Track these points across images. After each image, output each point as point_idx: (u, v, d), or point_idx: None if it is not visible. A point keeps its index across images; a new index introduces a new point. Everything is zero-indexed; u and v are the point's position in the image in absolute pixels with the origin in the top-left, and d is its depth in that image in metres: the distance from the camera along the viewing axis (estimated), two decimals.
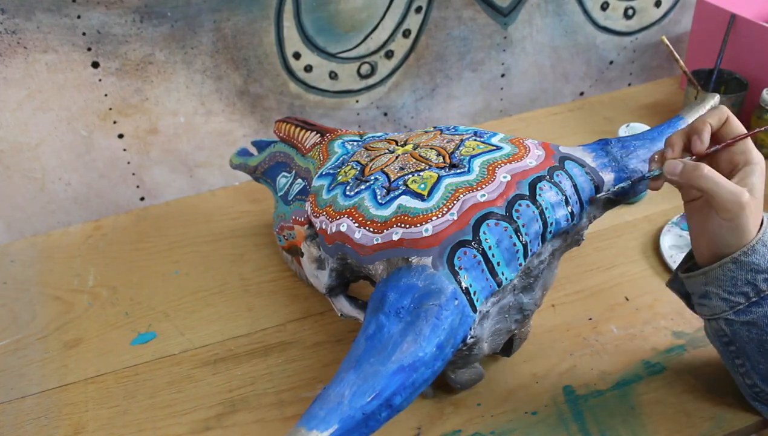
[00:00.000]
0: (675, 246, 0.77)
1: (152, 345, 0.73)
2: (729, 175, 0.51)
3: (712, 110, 0.53)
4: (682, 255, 0.75)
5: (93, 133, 0.88)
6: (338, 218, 0.56)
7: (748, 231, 0.50)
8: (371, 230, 0.53)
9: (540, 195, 0.53)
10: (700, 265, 0.54)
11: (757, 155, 0.52)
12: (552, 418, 0.60)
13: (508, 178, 0.53)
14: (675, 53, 0.93)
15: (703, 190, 0.50)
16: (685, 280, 0.56)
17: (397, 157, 0.59)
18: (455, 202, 0.52)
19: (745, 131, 0.52)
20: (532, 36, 1.02)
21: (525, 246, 0.51)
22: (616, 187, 0.55)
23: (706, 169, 0.49)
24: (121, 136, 0.89)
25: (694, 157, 0.52)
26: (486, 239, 0.50)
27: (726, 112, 0.53)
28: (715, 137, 0.53)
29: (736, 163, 0.52)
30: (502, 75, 1.04)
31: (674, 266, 0.75)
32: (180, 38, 0.85)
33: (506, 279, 0.51)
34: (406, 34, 0.95)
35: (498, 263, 0.50)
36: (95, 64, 0.84)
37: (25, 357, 0.73)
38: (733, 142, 0.52)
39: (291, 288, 0.78)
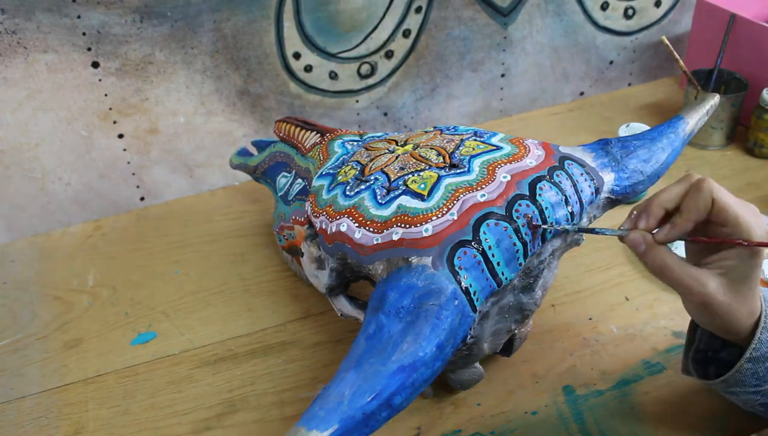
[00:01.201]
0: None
1: (152, 345, 0.73)
2: (715, 250, 0.47)
3: (690, 195, 0.46)
4: (676, 251, 0.75)
5: (93, 133, 0.88)
6: (338, 217, 0.56)
7: (729, 318, 0.46)
8: (371, 229, 0.53)
9: (540, 195, 0.53)
10: (704, 327, 0.51)
11: (749, 234, 0.45)
12: (552, 418, 0.60)
13: (508, 178, 0.53)
14: (675, 53, 0.93)
15: (663, 281, 0.47)
16: (703, 384, 0.53)
17: (397, 157, 0.59)
18: (455, 202, 0.52)
19: (734, 212, 0.45)
20: (532, 36, 1.02)
21: (525, 246, 0.51)
22: (560, 226, 0.52)
23: (666, 260, 0.45)
24: (121, 136, 0.89)
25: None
26: (486, 239, 0.50)
27: (707, 193, 0.45)
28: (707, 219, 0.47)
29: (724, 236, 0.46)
30: (502, 75, 1.04)
31: None
32: (180, 38, 0.85)
33: (506, 279, 0.51)
34: (406, 34, 0.95)
35: (498, 263, 0.50)
36: (95, 64, 0.84)
37: (25, 357, 0.73)
38: (700, 240, 0.47)
39: (291, 288, 0.78)
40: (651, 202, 0.48)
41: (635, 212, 0.49)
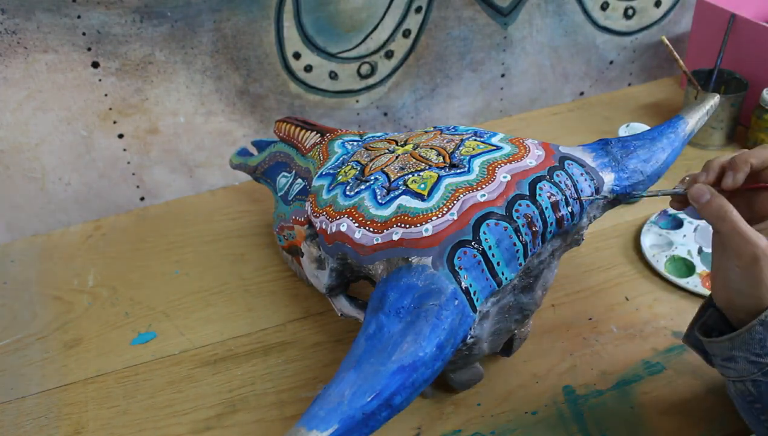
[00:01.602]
0: (656, 245, 0.77)
1: (152, 345, 0.73)
2: (760, 219, 0.50)
3: (759, 149, 0.51)
4: (664, 255, 0.75)
5: (93, 133, 0.88)
6: (338, 217, 0.56)
7: (764, 284, 0.47)
8: (371, 229, 0.53)
9: (540, 195, 0.53)
10: (718, 305, 0.52)
11: None
12: (552, 418, 0.60)
13: (508, 178, 0.53)
14: (675, 53, 0.93)
15: (719, 231, 0.48)
16: (706, 343, 0.53)
17: (397, 157, 0.59)
18: (455, 202, 0.52)
19: None
20: (532, 36, 1.02)
21: (525, 246, 0.51)
22: (619, 194, 0.55)
23: (728, 209, 0.47)
24: (121, 136, 0.89)
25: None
26: (486, 239, 0.50)
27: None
28: (758, 176, 0.51)
29: None
30: (502, 75, 1.04)
31: (657, 265, 0.74)
32: (180, 38, 0.85)
33: (506, 279, 0.51)
34: (406, 34, 0.95)
35: (498, 263, 0.50)
36: (95, 64, 0.84)
37: (25, 357, 0.73)
38: (758, 186, 0.50)
39: (291, 288, 0.78)
40: (710, 162, 0.51)
41: (687, 178, 0.52)
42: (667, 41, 0.94)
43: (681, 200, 0.53)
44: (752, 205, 0.52)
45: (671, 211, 0.82)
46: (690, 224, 0.80)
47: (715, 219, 0.48)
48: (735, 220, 0.47)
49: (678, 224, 0.80)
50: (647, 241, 0.78)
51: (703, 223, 0.80)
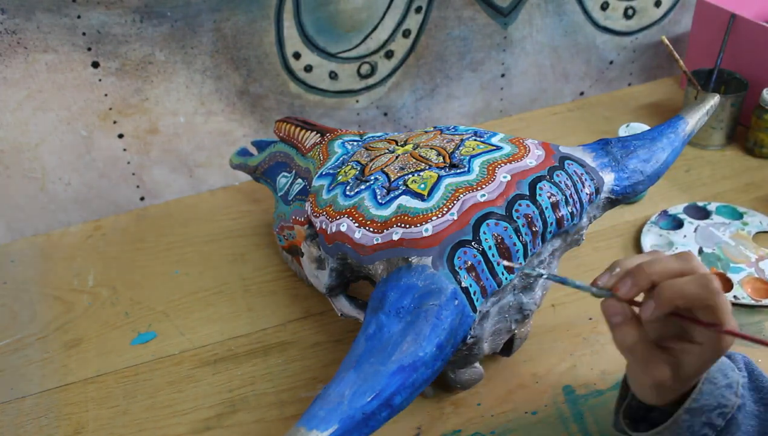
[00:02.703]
0: (656, 246, 0.77)
1: (152, 345, 0.73)
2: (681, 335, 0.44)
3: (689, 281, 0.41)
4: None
5: (93, 133, 0.88)
6: (338, 217, 0.56)
7: (674, 395, 0.45)
8: (371, 229, 0.53)
9: (540, 195, 0.53)
10: (642, 399, 0.48)
11: (724, 343, 0.41)
12: (552, 418, 0.60)
13: (508, 178, 0.53)
14: (675, 53, 0.93)
15: (623, 353, 0.44)
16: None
17: (397, 157, 0.59)
18: (455, 202, 0.52)
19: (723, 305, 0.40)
20: (532, 36, 1.02)
21: (525, 246, 0.51)
22: (533, 272, 0.46)
23: (635, 334, 0.42)
24: (121, 136, 0.89)
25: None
26: (486, 239, 0.50)
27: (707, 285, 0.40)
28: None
29: (691, 338, 0.43)
30: (502, 75, 1.04)
31: None
32: (180, 38, 0.85)
33: (506, 279, 0.51)
34: (406, 34, 0.95)
35: (498, 263, 0.50)
36: (95, 64, 0.84)
37: (25, 357, 0.73)
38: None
39: (291, 288, 0.78)
40: (639, 271, 0.43)
41: (617, 269, 0.44)
42: (667, 41, 0.94)
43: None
44: (666, 325, 0.45)
45: (671, 211, 0.82)
46: (690, 224, 0.80)
47: (623, 348, 0.43)
48: (643, 352, 0.42)
49: (678, 225, 0.80)
50: (648, 241, 0.78)
51: (703, 223, 0.80)
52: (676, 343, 0.43)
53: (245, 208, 0.93)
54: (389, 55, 0.96)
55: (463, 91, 1.03)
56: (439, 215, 0.51)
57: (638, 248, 0.78)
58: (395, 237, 0.52)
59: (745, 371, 0.49)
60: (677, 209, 0.82)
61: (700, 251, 0.76)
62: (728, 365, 0.47)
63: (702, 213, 0.82)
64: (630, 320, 0.43)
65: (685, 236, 0.78)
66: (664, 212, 0.82)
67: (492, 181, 0.53)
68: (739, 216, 0.80)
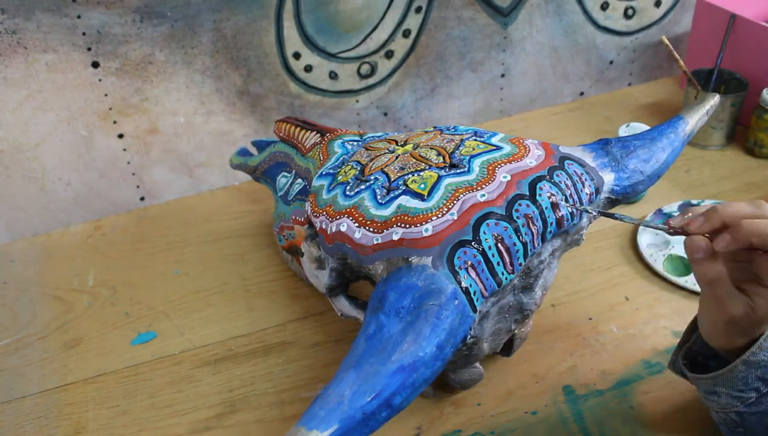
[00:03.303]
0: (653, 245, 0.77)
1: (152, 345, 0.73)
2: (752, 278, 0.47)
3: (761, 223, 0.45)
4: (662, 255, 0.75)
5: (93, 133, 0.88)
6: (338, 217, 0.56)
7: (741, 338, 0.48)
8: (371, 229, 0.53)
9: (540, 195, 0.53)
10: (707, 340, 0.51)
11: None
12: (552, 418, 0.60)
13: (508, 178, 0.53)
14: (675, 53, 0.93)
15: (705, 288, 0.47)
16: (691, 378, 0.54)
17: (397, 157, 0.59)
18: (455, 202, 0.52)
19: None
20: (532, 36, 1.02)
21: (525, 246, 0.51)
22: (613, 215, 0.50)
23: (718, 269, 0.45)
24: (121, 136, 0.89)
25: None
26: (486, 239, 0.50)
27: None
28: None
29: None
30: (502, 75, 1.04)
31: (655, 264, 0.74)
32: (180, 38, 0.85)
33: (506, 279, 0.51)
34: (406, 34, 0.95)
35: (498, 263, 0.50)
36: (95, 64, 0.84)
37: (25, 357, 0.73)
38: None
39: (291, 288, 0.78)
40: (713, 212, 0.46)
41: (689, 214, 0.47)
42: (667, 41, 0.94)
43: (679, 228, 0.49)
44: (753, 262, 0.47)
45: (666, 209, 0.82)
46: None
47: (707, 281, 0.46)
48: (723, 286, 0.46)
49: None
50: (644, 241, 0.78)
51: None
52: (750, 286, 0.47)
53: (245, 208, 0.93)
54: (389, 55, 0.96)
55: (463, 91, 1.03)
56: (439, 215, 0.51)
57: (635, 247, 0.78)
58: (395, 237, 0.52)
59: None
60: (672, 208, 0.82)
61: None
62: None
63: None
64: (712, 256, 0.46)
65: None
66: (659, 211, 0.82)
67: (492, 181, 0.53)
68: None
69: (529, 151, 0.56)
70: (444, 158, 0.56)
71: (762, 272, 0.46)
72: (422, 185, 0.54)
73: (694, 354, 0.55)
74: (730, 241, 0.45)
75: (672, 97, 1.08)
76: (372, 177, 0.57)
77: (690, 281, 0.72)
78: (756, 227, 0.44)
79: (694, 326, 0.55)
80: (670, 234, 0.48)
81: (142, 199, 0.95)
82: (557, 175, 0.54)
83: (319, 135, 0.73)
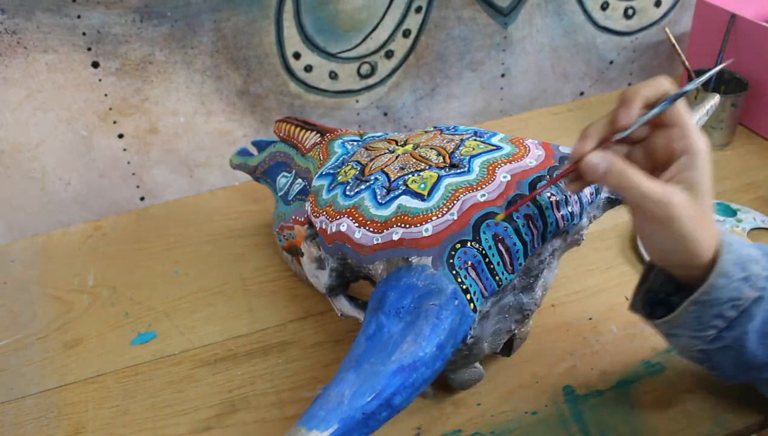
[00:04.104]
0: None
1: (152, 345, 0.73)
2: (664, 164, 0.45)
3: (652, 80, 0.45)
4: None
5: (93, 133, 0.88)
6: (338, 217, 0.56)
7: (691, 238, 0.44)
8: (371, 229, 0.53)
9: (540, 195, 0.53)
10: (659, 265, 0.50)
11: (697, 142, 0.44)
12: (552, 418, 0.60)
13: (508, 178, 0.53)
14: (677, 46, 0.93)
15: (626, 199, 0.44)
16: (647, 322, 0.52)
17: (397, 157, 0.59)
18: (455, 202, 0.52)
19: (687, 117, 0.44)
20: (532, 36, 1.02)
21: (525, 246, 0.51)
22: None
23: (629, 175, 0.43)
24: (121, 136, 0.89)
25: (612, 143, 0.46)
26: (486, 239, 0.50)
27: (667, 87, 0.45)
28: (652, 121, 0.46)
29: (673, 151, 0.45)
30: (502, 75, 1.04)
31: None
32: (180, 38, 0.85)
33: (506, 279, 0.51)
34: (406, 34, 0.95)
35: (498, 263, 0.50)
36: (95, 64, 0.84)
37: (25, 357, 0.73)
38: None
39: (291, 288, 0.78)
40: (587, 128, 0.46)
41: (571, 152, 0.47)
42: (669, 33, 0.94)
43: (575, 178, 0.47)
44: (652, 151, 0.47)
45: None
46: None
47: (619, 189, 0.44)
48: (640, 184, 0.43)
49: None
50: None
51: None
52: (671, 168, 0.45)
53: (245, 208, 0.93)
54: (389, 55, 0.96)
55: (463, 91, 1.03)
56: (439, 215, 0.51)
57: (635, 247, 0.78)
58: (395, 237, 0.52)
59: None
60: None
61: None
62: (751, 259, 0.47)
63: None
64: (612, 161, 0.44)
65: None
66: None
67: (492, 181, 0.53)
68: (733, 213, 0.81)
69: (529, 151, 0.56)
70: (444, 158, 0.56)
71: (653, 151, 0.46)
72: (422, 185, 0.54)
73: (654, 293, 0.53)
74: (627, 112, 0.45)
75: None
76: (372, 177, 0.57)
77: None
78: (642, 83, 0.45)
79: (650, 266, 0.53)
80: (576, 179, 0.47)
81: (142, 199, 0.95)
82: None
83: (319, 135, 0.73)
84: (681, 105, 0.45)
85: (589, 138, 0.46)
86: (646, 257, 0.54)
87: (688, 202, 0.44)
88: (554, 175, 0.47)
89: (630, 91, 0.45)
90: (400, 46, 0.96)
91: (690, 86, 0.45)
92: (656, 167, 0.47)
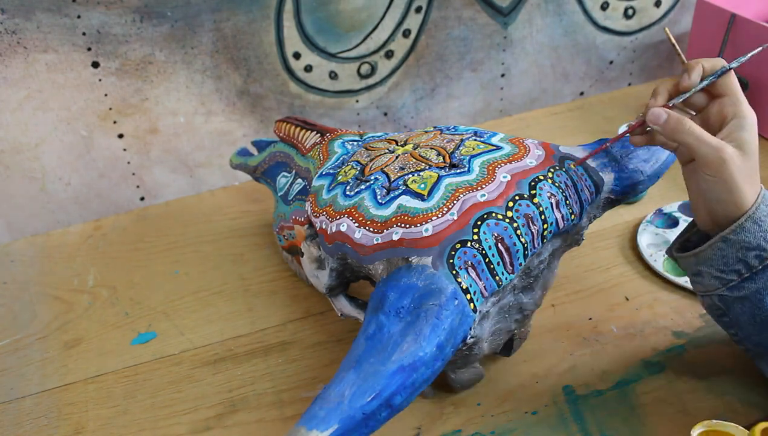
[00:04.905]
0: (653, 245, 0.77)
1: (152, 345, 0.73)
2: (717, 130, 0.51)
3: (709, 59, 0.52)
4: (662, 254, 0.75)
5: (93, 133, 0.88)
6: (338, 217, 0.56)
7: (738, 188, 0.49)
8: (371, 229, 0.53)
9: (540, 195, 0.53)
10: (702, 229, 0.54)
11: (747, 109, 0.50)
12: (552, 418, 0.60)
13: (508, 178, 0.53)
14: (677, 46, 0.93)
15: (684, 145, 0.50)
16: (678, 259, 0.55)
17: (397, 157, 0.59)
18: (455, 202, 0.52)
19: (738, 88, 0.51)
20: (532, 36, 1.02)
21: (525, 246, 0.51)
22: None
23: (688, 123, 0.49)
24: (121, 136, 0.89)
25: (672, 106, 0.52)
26: (486, 239, 0.50)
27: (722, 63, 0.51)
28: (708, 92, 0.52)
29: (725, 116, 0.51)
30: (502, 75, 1.04)
31: (655, 264, 0.74)
32: (180, 38, 0.85)
33: (506, 279, 0.51)
34: (406, 34, 0.95)
35: (498, 263, 0.50)
36: (95, 64, 0.84)
37: (25, 357, 0.73)
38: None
39: (291, 288, 0.78)
40: (658, 87, 0.53)
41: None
42: (669, 32, 0.94)
43: (641, 131, 0.54)
44: (707, 120, 0.52)
45: (666, 209, 0.82)
46: (685, 222, 0.80)
47: (677, 134, 0.50)
48: (696, 131, 0.49)
49: (673, 223, 0.80)
50: (644, 240, 0.78)
51: None
52: (724, 130, 0.50)
53: (245, 208, 0.93)
54: (389, 55, 0.96)
55: (463, 91, 1.03)
56: (439, 215, 0.51)
57: (635, 247, 0.78)
58: (395, 237, 0.52)
59: None
60: (672, 207, 0.82)
61: None
62: None
63: None
64: (673, 113, 0.51)
65: None
66: (659, 211, 0.82)
67: (492, 181, 0.53)
68: None
69: (529, 151, 0.56)
70: (444, 158, 0.56)
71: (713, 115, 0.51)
72: (422, 185, 0.54)
73: (692, 245, 0.56)
74: (689, 77, 0.51)
75: None
76: (372, 177, 0.57)
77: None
78: (700, 59, 0.52)
79: (694, 223, 0.57)
80: (642, 133, 0.54)
81: (142, 199, 0.95)
82: (557, 175, 0.54)
83: (319, 135, 0.73)
84: (732, 77, 0.51)
85: (659, 96, 0.53)
86: (691, 217, 0.60)
87: (738, 155, 0.48)
88: (623, 132, 0.55)
89: (692, 61, 0.52)
90: (400, 46, 0.96)
91: (742, 58, 0.52)
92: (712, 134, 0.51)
